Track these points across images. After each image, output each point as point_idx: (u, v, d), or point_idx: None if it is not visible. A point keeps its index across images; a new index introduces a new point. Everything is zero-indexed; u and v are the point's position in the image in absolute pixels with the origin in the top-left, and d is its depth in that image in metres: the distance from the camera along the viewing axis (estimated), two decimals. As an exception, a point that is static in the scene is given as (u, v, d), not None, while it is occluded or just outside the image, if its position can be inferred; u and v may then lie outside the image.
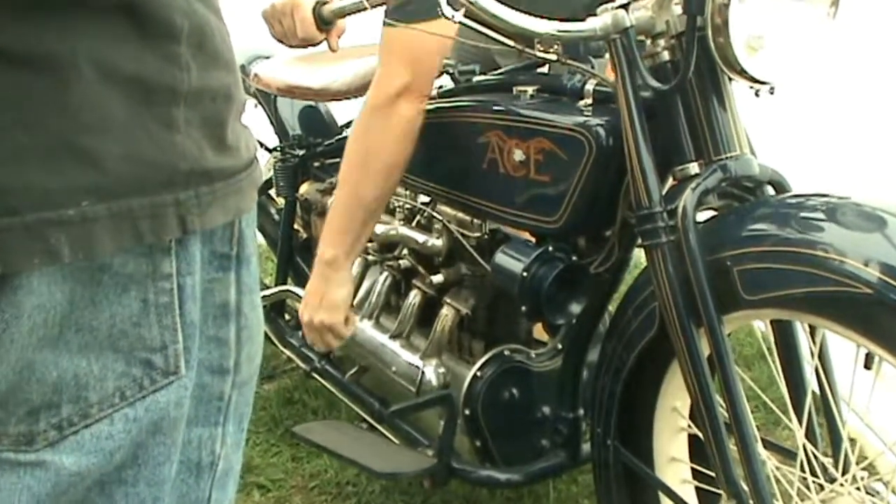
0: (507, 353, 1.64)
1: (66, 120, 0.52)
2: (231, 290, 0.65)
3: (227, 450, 0.67)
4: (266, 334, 2.35)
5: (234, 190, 0.62)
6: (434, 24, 1.39)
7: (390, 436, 1.80)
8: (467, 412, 1.61)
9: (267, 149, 2.34)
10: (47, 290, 0.54)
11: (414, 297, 1.77)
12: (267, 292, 2.28)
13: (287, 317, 2.36)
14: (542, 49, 1.31)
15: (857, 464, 1.21)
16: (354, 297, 1.96)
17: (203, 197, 0.59)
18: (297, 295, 2.17)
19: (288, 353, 2.26)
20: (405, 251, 1.80)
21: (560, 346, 1.67)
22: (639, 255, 1.40)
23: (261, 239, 2.57)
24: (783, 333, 1.30)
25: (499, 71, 1.68)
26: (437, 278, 1.72)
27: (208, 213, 0.60)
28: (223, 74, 0.61)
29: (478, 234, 1.65)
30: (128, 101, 0.54)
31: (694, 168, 1.26)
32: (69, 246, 0.53)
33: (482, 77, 1.64)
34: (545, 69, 1.60)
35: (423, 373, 1.68)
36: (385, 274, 1.87)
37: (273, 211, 2.43)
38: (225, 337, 0.65)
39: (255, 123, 2.49)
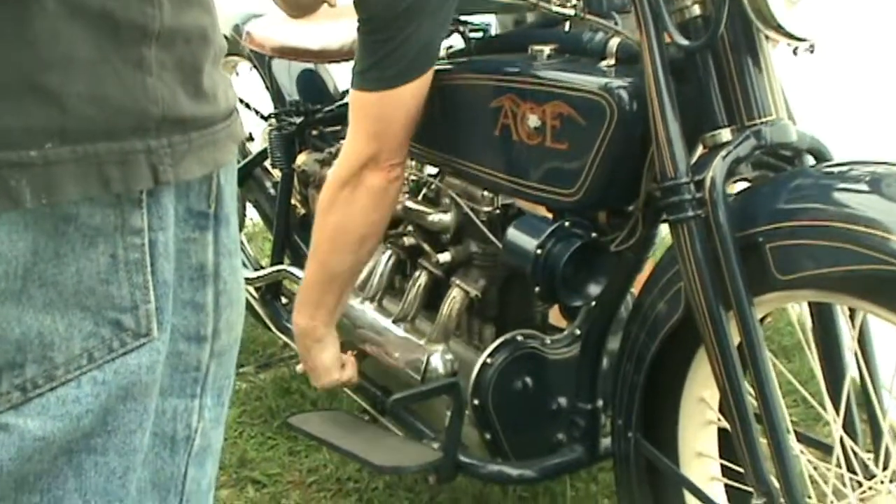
0: (519, 338, 1.64)
1: (28, 56, 0.52)
2: (209, 251, 0.65)
3: (205, 424, 0.68)
4: (261, 319, 2.37)
5: (210, 141, 0.62)
6: (407, 89, 1.44)
7: (393, 428, 1.81)
8: (476, 402, 1.61)
9: (262, 116, 2.35)
10: (8, 238, 0.55)
11: (419, 278, 1.77)
12: (262, 273, 2.29)
13: (284, 300, 2.37)
14: (559, 3, 1.30)
15: (901, 460, 1.21)
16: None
17: (177, 146, 0.60)
18: (294, 276, 2.17)
19: (285, 338, 2.27)
20: (410, 228, 1.80)
21: (577, 332, 1.66)
22: (665, 232, 1.39)
23: (256, 216, 2.58)
24: (820, 317, 1.29)
25: (513, 29, 1.68)
26: (445, 257, 1.72)
27: (183, 165, 0.60)
28: (199, 14, 0.61)
29: (489, 209, 1.65)
30: (95, 38, 0.54)
31: (725, 135, 1.25)
32: (31, 190, 0.53)
33: (495, 35, 1.63)
34: (564, 27, 1.59)
35: (428, 359, 1.69)
36: (388, 252, 1.87)
37: (269, 184, 2.43)
38: (202, 301, 0.65)
39: (249, 88, 2.51)
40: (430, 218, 1.74)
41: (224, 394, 0.70)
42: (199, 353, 0.66)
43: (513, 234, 1.48)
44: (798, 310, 1.38)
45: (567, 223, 1.44)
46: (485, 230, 1.63)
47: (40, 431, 0.58)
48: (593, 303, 1.55)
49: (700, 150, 1.30)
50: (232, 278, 0.67)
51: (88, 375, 0.60)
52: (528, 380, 1.64)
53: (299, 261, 2.29)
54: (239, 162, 2.37)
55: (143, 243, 0.60)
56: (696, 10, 1.24)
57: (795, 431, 1.30)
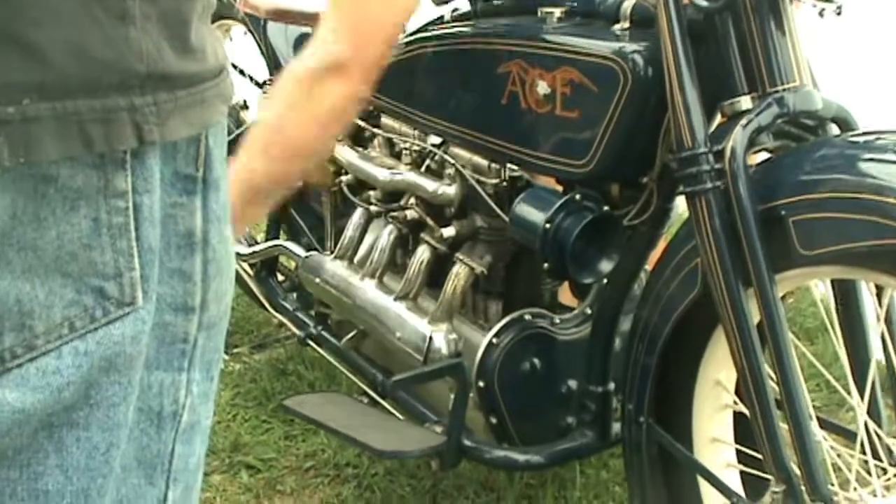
0: (527, 317, 1.64)
1: (4, 6, 0.52)
2: (196, 217, 0.65)
3: (193, 400, 0.68)
4: (256, 298, 2.37)
5: (198, 100, 0.62)
6: None
7: (394, 411, 1.81)
8: (481, 384, 1.61)
9: (257, 83, 2.34)
10: None
11: (422, 254, 1.76)
12: (257, 248, 2.29)
13: (280, 277, 2.37)
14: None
15: (928, 446, 1.20)
16: (356, 252, 1.96)
17: (163, 105, 0.59)
18: (290, 251, 2.17)
19: (280, 317, 2.27)
20: (412, 200, 1.80)
21: (588, 311, 1.66)
22: (681, 206, 1.38)
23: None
24: (845, 296, 1.28)
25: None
26: (449, 231, 1.72)
27: (169, 124, 0.60)
28: None
29: (496, 181, 1.64)
30: None
31: (746, 102, 1.24)
32: (8, 147, 0.53)
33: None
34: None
35: (431, 339, 1.69)
36: (390, 227, 1.87)
37: (264, 155, 2.43)
38: (189, 270, 0.65)
39: (243, 54, 2.49)
40: (434, 190, 1.74)
41: (213, 368, 0.70)
42: (186, 325, 0.66)
43: (520, 207, 1.48)
44: (822, 289, 1.37)
45: (578, 196, 1.44)
46: (491, 203, 1.63)
47: (19, 404, 0.58)
48: (605, 280, 1.54)
49: (719, 118, 1.29)
50: (221, 246, 0.67)
51: (70, 346, 0.60)
52: (536, 361, 1.64)
53: (296, 236, 2.29)
54: (232, 131, 2.36)
55: (128, 207, 0.60)
56: (716, -32, 1.23)
57: (818, 417, 1.30)
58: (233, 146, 2.44)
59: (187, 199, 0.64)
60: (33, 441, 0.60)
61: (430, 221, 1.75)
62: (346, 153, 1.99)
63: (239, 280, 2.55)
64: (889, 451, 1.24)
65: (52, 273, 0.58)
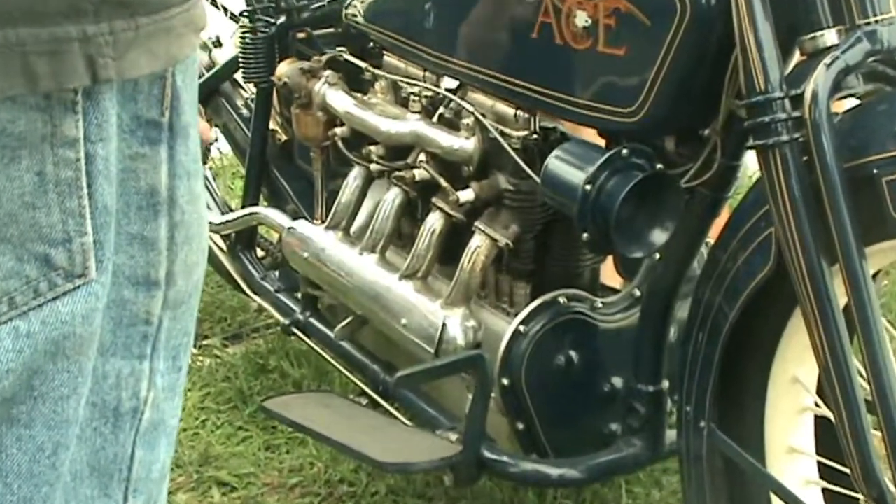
0: (562, 300, 1.65)
1: None
2: (161, 171, 0.65)
3: (157, 394, 0.69)
4: (230, 277, 2.38)
5: (163, 28, 0.63)
6: None
7: (399, 414, 1.83)
8: (505, 382, 1.62)
9: (232, 16, 2.35)
10: None
11: (434, 223, 1.77)
12: (232, 217, 2.31)
13: (259, 252, 2.39)
14: None
15: None
16: (352, 221, 1.98)
17: (120, 34, 0.60)
18: (272, 220, 2.18)
19: (259, 301, 2.29)
20: (422, 157, 1.81)
21: (637, 293, 1.67)
22: (751, 164, 1.39)
23: (224, 145, 2.58)
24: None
25: None
26: (467, 195, 1.73)
27: (128, 58, 0.61)
28: None
29: (524, 133, 1.65)
30: None
31: (830, 37, 1.25)
32: None
33: None
34: None
35: (444, 327, 1.70)
36: (394, 190, 1.88)
37: (241, 104, 2.44)
38: (152, 236, 0.66)
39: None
40: (448, 145, 1.75)
41: (181, 356, 0.71)
42: (148, 303, 0.67)
43: (555, 164, 1.48)
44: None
45: (625, 151, 1.44)
46: (518, 160, 1.64)
47: None
48: (657, 255, 1.55)
49: (797, 56, 1.29)
50: (191, 207, 0.68)
51: (9, 326, 0.60)
52: (573, 354, 1.65)
53: (279, 202, 2.30)
54: (202, 73, 2.37)
55: (79, 158, 0.60)
56: None
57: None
58: (203, 92, 2.47)
59: (150, 150, 0.65)
60: None
61: (443, 183, 1.76)
62: (340, 100, 2.00)
63: (209, 255, 2.57)
64: None
65: None
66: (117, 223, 0.63)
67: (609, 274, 1.79)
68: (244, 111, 2.41)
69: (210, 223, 2.33)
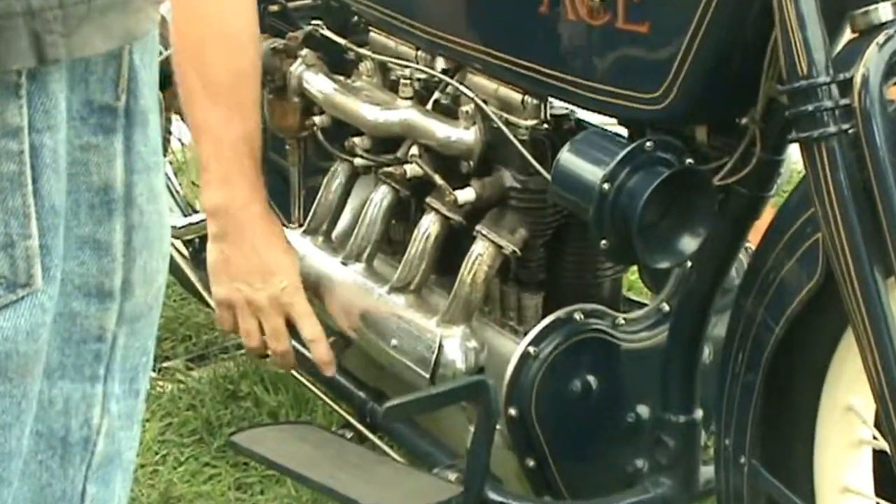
0: (578, 317, 1.64)
1: None
2: (116, 164, 0.65)
3: (112, 422, 0.69)
4: (194, 289, 2.38)
5: (119, 1, 0.63)
6: None
7: (389, 451, 1.82)
8: (513, 412, 1.62)
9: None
10: None
11: (428, 226, 1.77)
12: (194, 219, 2.30)
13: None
14: None
15: None
16: (333, 224, 1.97)
17: (70, 8, 0.60)
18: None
19: (228, 317, 2.29)
20: (414, 151, 1.80)
21: (665, 308, 1.67)
22: (795, 159, 1.39)
23: (187, 135, 2.58)
24: None
25: None
26: (466, 195, 1.72)
27: (80, 35, 0.61)
28: None
29: (532, 122, 1.65)
30: None
31: (885, 11, 1.25)
32: None
33: None
34: None
35: (441, 348, 1.69)
36: (383, 189, 1.87)
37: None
38: (106, 240, 0.66)
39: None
40: (445, 136, 1.74)
41: (139, 379, 0.71)
42: (101, 317, 0.67)
43: (568, 159, 1.49)
44: None
45: (649, 143, 1.44)
46: (526, 154, 1.63)
47: None
48: (688, 264, 1.55)
49: (847, 35, 1.29)
50: (150, 206, 0.68)
51: None
52: (592, 379, 1.65)
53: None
54: (160, 53, 2.37)
55: (22, 150, 0.61)
56: None
57: None
58: (162, 74, 2.47)
59: (104, 140, 0.65)
60: None
61: (438, 180, 1.75)
62: (320, 83, 1.99)
63: (171, 264, 2.56)
64: None
65: None
66: (66, 225, 0.63)
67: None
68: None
69: (171, 226, 2.32)
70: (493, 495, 1.62)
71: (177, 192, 2.56)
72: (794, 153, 1.38)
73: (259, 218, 1.71)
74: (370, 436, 1.85)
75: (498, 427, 1.62)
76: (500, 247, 1.69)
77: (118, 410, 0.70)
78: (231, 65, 1.62)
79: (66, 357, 0.66)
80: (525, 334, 1.65)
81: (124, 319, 0.68)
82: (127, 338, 0.69)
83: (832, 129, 1.21)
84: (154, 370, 2.52)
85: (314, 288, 1.91)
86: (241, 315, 1.78)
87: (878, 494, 1.44)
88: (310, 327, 1.77)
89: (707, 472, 1.59)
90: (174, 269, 2.36)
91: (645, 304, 1.73)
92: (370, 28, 1.94)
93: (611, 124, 1.62)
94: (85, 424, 0.68)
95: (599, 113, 1.58)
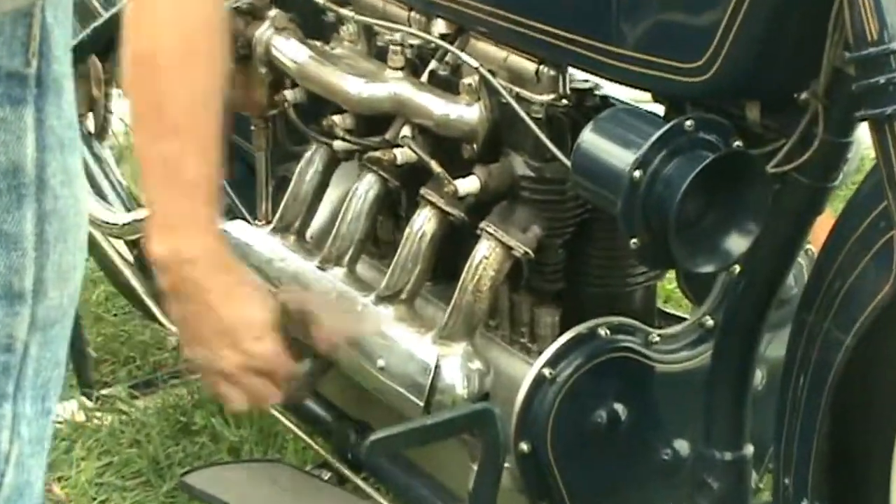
0: (603, 332, 1.65)
1: None
2: (27, 141, 0.66)
3: (22, 448, 0.69)
4: (138, 299, 2.38)
5: None
6: None
7: (375, 494, 1.82)
8: (525, 447, 1.62)
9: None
10: None
11: (423, 223, 1.77)
12: (141, 214, 2.30)
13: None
14: None
15: None
16: (308, 221, 1.97)
17: None
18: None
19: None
20: (406, 132, 1.80)
21: (709, 322, 1.66)
22: (864, 142, 1.38)
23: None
24: None
25: None
26: (469, 185, 1.72)
27: None
28: None
29: (549, 97, 1.65)
30: None
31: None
32: None
33: None
34: None
35: (438, 369, 1.69)
36: (368, 178, 1.87)
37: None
38: (15, 231, 0.66)
39: None
40: (444, 114, 1.75)
41: (50, 396, 0.71)
42: (10, 323, 0.67)
43: (592, 141, 1.49)
44: None
45: (689, 123, 1.44)
46: (541, 136, 1.64)
47: None
48: (736, 269, 1.55)
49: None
50: (66, 191, 0.68)
51: None
52: (620, 408, 1.65)
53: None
54: (95, 13, 2.37)
55: None
56: None
57: None
58: (100, 39, 2.47)
59: (12, 113, 0.65)
60: None
61: (435, 167, 1.75)
62: (292, 51, 1.99)
63: (108, 268, 2.56)
64: None
65: None
66: None
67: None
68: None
69: (111, 225, 2.33)
70: (501, 547, 1.63)
71: (117, 182, 2.56)
72: (863, 135, 1.38)
73: (213, 272, 1.66)
74: (351, 476, 1.85)
75: (506, 465, 1.62)
76: (509, 248, 1.69)
77: (29, 434, 0.70)
78: (193, 86, 1.58)
79: None
80: (539, 353, 1.65)
81: (36, 326, 0.69)
82: (39, 348, 0.69)
83: (909, 104, 1.22)
84: (91, 399, 2.52)
85: (284, 299, 1.91)
86: (217, 383, 1.77)
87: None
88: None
89: (760, 518, 1.59)
90: (114, 275, 2.36)
91: (684, 318, 1.72)
92: (354, -16, 1.94)
93: (643, 101, 1.62)
94: None
95: (629, 86, 1.57)
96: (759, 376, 1.60)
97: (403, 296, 1.79)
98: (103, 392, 2.56)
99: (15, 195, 0.66)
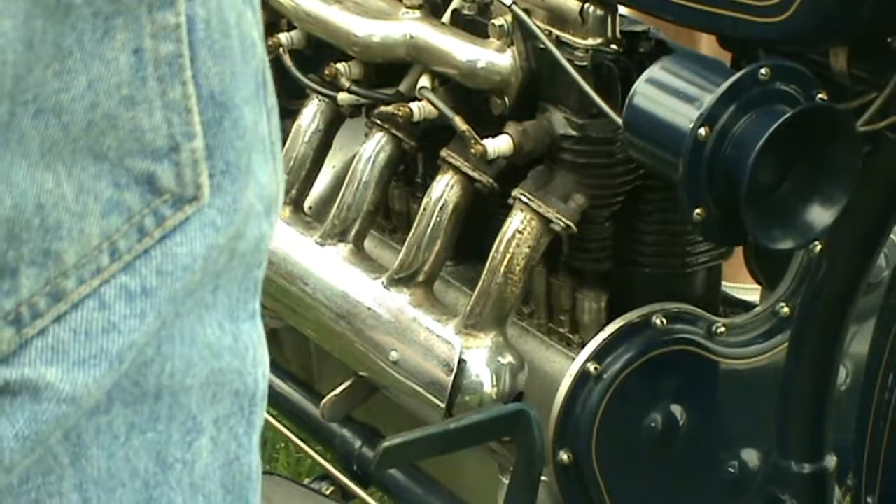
0: (658, 321, 1.65)
1: None
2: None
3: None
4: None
5: None
6: None
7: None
8: (565, 456, 1.63)
9: None
10: None
11: (444, 191, 1.77)
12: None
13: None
14: None
15: None
16: (307, 189, 1.97)
17: None
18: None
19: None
20: (424, 82, 1.81)
21: (783, 309, 1.67)
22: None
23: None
24: None
25: None
26: (499, 145, 1.72)
27: None
28: None
29: (595, 42, 1.65)
30: None
31: None
32: None
33: None
34: None
35: (462, 364, 1.70)
36: (378, 138, 1.87)
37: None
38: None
39: None
40: (469, 61, 1.75)
41: None
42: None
43: (647, 94, 1.50)
44: None
45: (764, 71, 1.44)
46: (585, 87, 1.63)
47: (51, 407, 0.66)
48: (817, 247, 1.55)
49: None
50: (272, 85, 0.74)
51: (114, 285, 0.66)
52: (677, 410, 1.66)
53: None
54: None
55: (179, 23, 0.65)
56: None
57: None
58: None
59: (245, 6, 0.70)
60: (46, 457, 0.68)
61: (459, 124, 1.76)
62: (289, -14, 2.00)
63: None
64: None
65: (81, 153, 0.65)
66: (229, 114, 0.69)
67: (736, 274, 1.79)
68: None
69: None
70: (536, 575, 1.64)
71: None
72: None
73: None
74: (358, 491, 1.86)
75: (543, 478, 1.62)
76: (547, 220, 1.69)
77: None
78: None
79: (226, 293, 0.73)
80: (582, 346, 1.66)
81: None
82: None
83: None
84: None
85: (280, 278, 1.92)
86: None
87: None
88: None
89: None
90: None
91: (754, 305, 1.72)
92: None
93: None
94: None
95: (692, 28, 1.57)
96: (842, 374, 1.61)
97: (421, 277, 1.79)
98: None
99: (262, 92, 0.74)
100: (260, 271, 0.75)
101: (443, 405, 1.70)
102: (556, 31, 1.67)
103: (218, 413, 0.73)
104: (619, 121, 1.54)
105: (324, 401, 1.93)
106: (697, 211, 1.45)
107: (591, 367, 1.63)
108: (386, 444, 1.61)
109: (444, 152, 1.78)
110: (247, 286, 0.74)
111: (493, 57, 1.73)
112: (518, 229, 1.70)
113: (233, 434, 0.74)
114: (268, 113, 0.73)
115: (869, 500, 1.47)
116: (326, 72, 1.93)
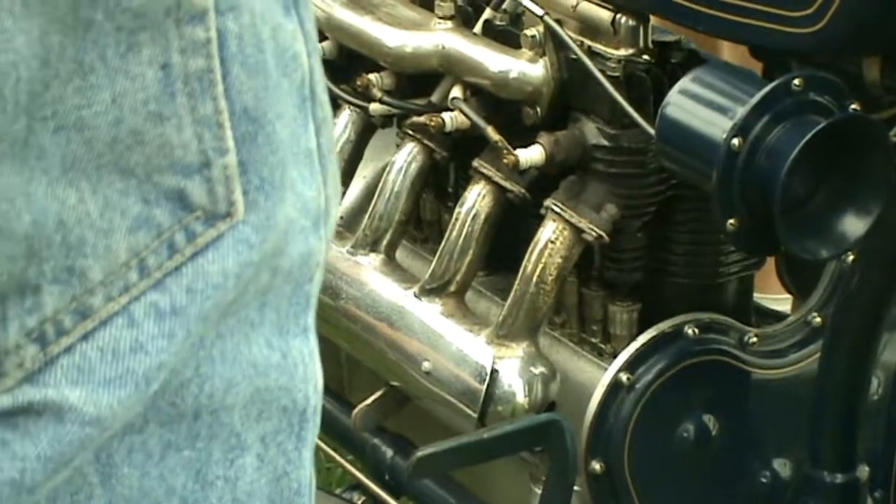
0: (690, 331, 1.65)
1: None
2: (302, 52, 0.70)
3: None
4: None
5: None
6: None
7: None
8: (597, 466, 1.63)
9: None
10: None
11: (476, 201, 1.78)
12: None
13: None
14: None
15: None
16: (341, 195, 1.97)
17: None
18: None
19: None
20: (456, 93, 1.81)
21: (817, 320, 1.67)
22: None
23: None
24: None
25: None
26: (531, 155, 1.73)
27: None
28: None
29: (628, 52, 1.66)
30: None
31: None
32: None
33: None
34: None
35: (494, 374, 1.70)
36: (410, 148, 1.88)
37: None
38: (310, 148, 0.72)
39: None
40: (501, 71, 1.76)
41: None
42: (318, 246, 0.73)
43: (680, 104, 1.50)
44: None
45: (797, 82, 1.45)
46: (618, 97, 1.64)
47: (77, 428, 0.65)
48: (850, 257, 1.56)
49: None
50: (327, 108, 0.73)
51: (144, 302, 0.66)
52: (710, 420, 1.66)
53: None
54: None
55: (209, 38, 0.65)
56: None
57: None
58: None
59: (286, 19, 0.69)
60: (77, 476, 0.67)
61: (492, 134, 1.76)
62: (319, -3, 2.00)
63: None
64: None
65: (106, 169, 0.64)
66: (262, 130, 0.68)
67: (768, 284, 1.79)
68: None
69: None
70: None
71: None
72: None
73: None
74: (390, 501, 1.86)
75: (576, 487, 1.62)
76: (579, 230, 1.70)
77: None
78: None
79: (276, 311, 0.72)
80: (614, 356, 1.66)
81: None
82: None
83: None
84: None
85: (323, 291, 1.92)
86: None
87: None
88: None
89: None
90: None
91: (786, 316, 1.73)
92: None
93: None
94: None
95: (724, 39, 1.58)
96: (874, 384, 1.61)
97: (452, 287, 1.80)
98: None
99: (304, 112, 0.72)
100: (312, 285, 0.74)
101: (475, 415, 1.71)
102: (587, 42, 1.68)
103: (265, 430, 0.73)
104: (652, 131, 1.55)
105: (355, 410, 1.93)
106: (731, 221, 1.46)
107: (624, 377, 1.63)
108: (419, 454, 1.61)
109: (475, 162, 1.78)
110: (297, 301, 0.73)
111: (524, 67, 1.73)
112: (550, 239, 1.71)
113: (281, 450, 0.74)
114: (317, 126, 0.72)
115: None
116: (358, 82, 1.94)
